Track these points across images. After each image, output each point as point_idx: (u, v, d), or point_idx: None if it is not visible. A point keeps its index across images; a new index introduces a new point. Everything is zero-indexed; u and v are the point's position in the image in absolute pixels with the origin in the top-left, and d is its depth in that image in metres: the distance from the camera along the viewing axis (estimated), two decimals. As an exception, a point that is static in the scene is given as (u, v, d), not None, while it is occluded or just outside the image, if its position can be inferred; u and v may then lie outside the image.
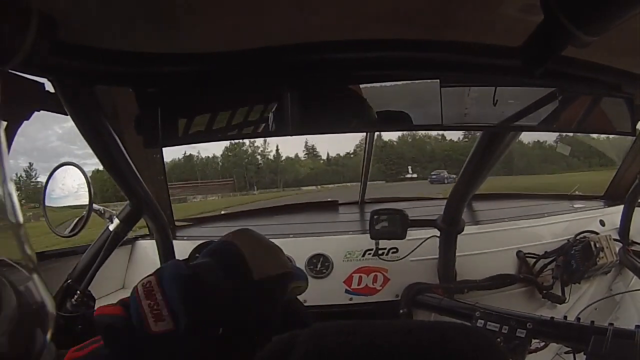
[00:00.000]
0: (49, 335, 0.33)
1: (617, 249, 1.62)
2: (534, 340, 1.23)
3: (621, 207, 1.76)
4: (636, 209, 1.72)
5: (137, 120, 0.84)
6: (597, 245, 1.54)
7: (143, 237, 1.64)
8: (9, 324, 0.30)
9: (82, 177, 1.15)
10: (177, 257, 1.45)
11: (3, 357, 0.30)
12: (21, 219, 0.32)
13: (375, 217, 1.40)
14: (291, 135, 0.79)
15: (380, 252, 1.49)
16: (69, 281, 1.16)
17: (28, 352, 0.31)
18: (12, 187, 0.31)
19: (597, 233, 1.62)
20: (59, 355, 0.48)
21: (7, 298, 0.31)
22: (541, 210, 1.81)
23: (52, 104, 0.86)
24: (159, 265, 1.45)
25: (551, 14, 0.57)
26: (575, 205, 1.91)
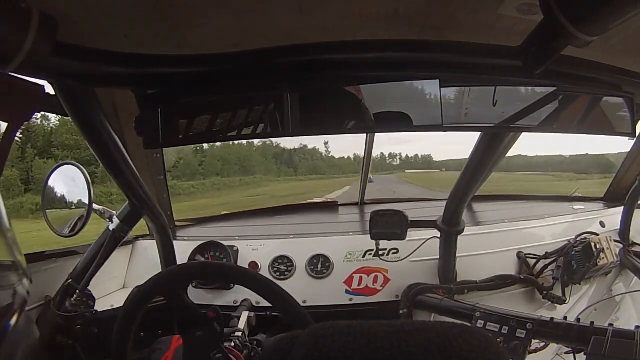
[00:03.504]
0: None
1: (617, 249, 1.62)
2: (533, 340, 1.23)
3: (621, 208, 1.76)
4: (636, 210, 1.72)
5: (137, 120, 0.84)
6: (597, 246, 1.53)
7: (143, 237, 1.64)
8: None
9: (82, 176, 1.15)
10: (177, 257, 1.45)
11: None
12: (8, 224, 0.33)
13: (376, 217, 1.40)
14: (291, 136, 0.79)
15: (380, 252, 1.48)
16: (69, 280, 1.16)
17: None
18: None
19: (597, 234, 1.62)
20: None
21: None
22: (541, 212, 1.81)
23: (52, 105, 0.86)
24: (159, 266, 1.46)
25: (550, 14, 0.57)
26: (575, 207, 1.91)
